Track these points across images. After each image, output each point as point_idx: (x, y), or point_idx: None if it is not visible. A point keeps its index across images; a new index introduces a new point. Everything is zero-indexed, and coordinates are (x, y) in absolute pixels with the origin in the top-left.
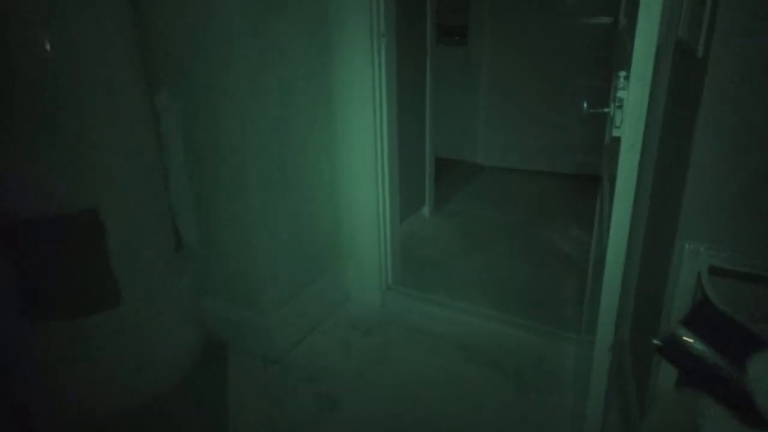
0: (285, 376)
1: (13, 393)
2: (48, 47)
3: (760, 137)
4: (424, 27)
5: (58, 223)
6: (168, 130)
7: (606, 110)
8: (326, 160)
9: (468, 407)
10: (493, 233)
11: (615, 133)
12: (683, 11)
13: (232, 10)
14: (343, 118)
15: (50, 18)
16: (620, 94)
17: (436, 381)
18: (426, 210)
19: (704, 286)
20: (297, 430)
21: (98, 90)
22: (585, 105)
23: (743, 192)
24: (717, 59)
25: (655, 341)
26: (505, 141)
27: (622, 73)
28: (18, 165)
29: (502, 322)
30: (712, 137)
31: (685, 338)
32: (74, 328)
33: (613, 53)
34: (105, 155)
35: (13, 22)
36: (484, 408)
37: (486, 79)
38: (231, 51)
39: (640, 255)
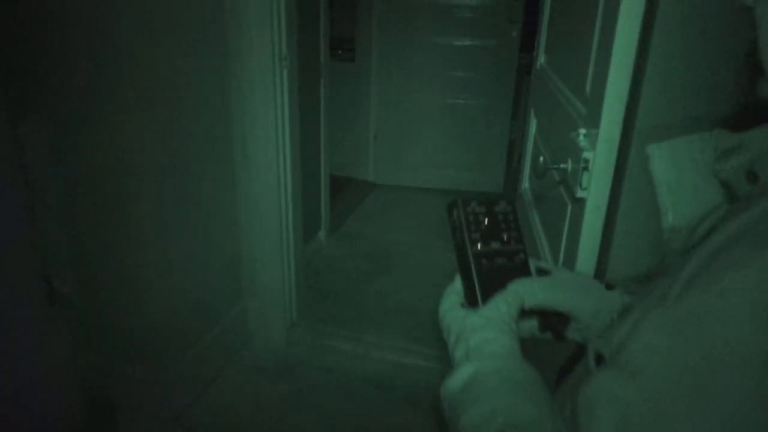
0: None
1: None
2: None
3: None
4: (317, 43)
5: None
6: (36, 165)
7: (563, 166)
8: (225, 190)
9: None
10: (393, 255)
11: (580, 194)
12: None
13: (118, 30)
14: (244, 145)
15: None
16: (586, 155)
17: (356, 427)
18: (322, 234)
19: None
20: None
21: None
22: (542, 161)
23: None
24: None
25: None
26: (396, 158)
27: (582, 131)
28: None
29: (416, 355)
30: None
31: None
32: None
33: (532, 91)
34: None
35: None
36: None
37: (375, 95)
38: (117, 76)
39: None
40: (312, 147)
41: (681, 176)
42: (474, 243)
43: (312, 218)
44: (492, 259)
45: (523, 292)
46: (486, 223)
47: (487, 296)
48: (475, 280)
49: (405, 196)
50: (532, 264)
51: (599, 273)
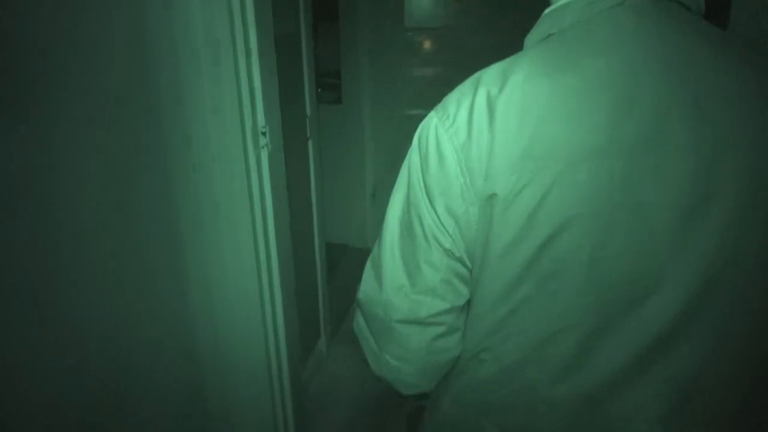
0: None
1: None
2: None
3: None
4: (301, 84)
5: None
6: None
7: None
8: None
9: None
10: None
11: None
12: None
13: None
14: (201, 256)
15: None
16: None
17: None
18: (323, 343)
19: None
20: None
21: None
22: None
23: None
24: None
25: None
26: None
27: None
28: None
29: None
30: None
31: None
32: None
33: None
34: None
35: None
36: None
37: (370, 145)
38: None
39: None
40: (303, 221)
41: None
42: None
43: (309, 324)
44: None
45: None
46: None
47: None
48: None
49: None
50: None
51: None
